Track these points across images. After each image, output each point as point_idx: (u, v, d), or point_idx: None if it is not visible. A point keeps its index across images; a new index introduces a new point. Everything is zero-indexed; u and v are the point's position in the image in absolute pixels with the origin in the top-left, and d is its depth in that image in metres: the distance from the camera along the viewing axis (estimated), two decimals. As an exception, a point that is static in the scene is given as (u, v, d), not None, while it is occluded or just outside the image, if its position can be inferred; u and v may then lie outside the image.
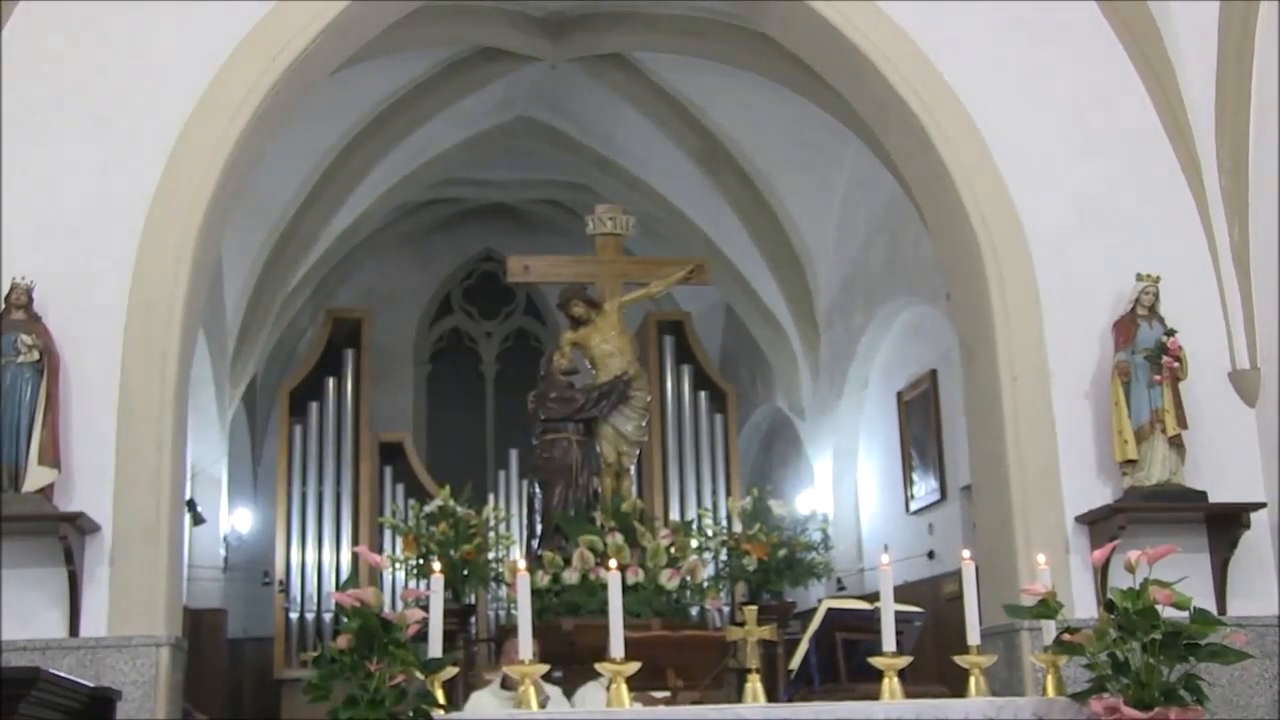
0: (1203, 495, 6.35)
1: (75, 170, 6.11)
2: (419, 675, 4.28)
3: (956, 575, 5.91)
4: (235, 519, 12.19)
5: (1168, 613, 4.48)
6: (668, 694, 5.76)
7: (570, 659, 6.12)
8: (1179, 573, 4.62)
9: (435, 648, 4.46)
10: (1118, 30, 6.84)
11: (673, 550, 7.48)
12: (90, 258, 6.03)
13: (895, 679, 4.69)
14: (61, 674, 4.58)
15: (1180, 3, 6.63)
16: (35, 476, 5.61)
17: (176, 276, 6.08)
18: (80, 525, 5.68)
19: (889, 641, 4.74)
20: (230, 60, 6.29)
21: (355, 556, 10.80)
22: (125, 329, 5.98)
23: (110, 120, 6.18)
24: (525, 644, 4.54)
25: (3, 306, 5.77)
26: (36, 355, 5.69)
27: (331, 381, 12.01)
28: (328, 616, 11.24)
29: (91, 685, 4.81)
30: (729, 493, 11.41)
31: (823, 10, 6.71)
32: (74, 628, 5.69)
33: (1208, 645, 4.46)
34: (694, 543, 7.82)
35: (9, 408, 5.62)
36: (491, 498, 11.51)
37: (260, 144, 6.66)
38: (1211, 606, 5.93)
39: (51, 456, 5.65)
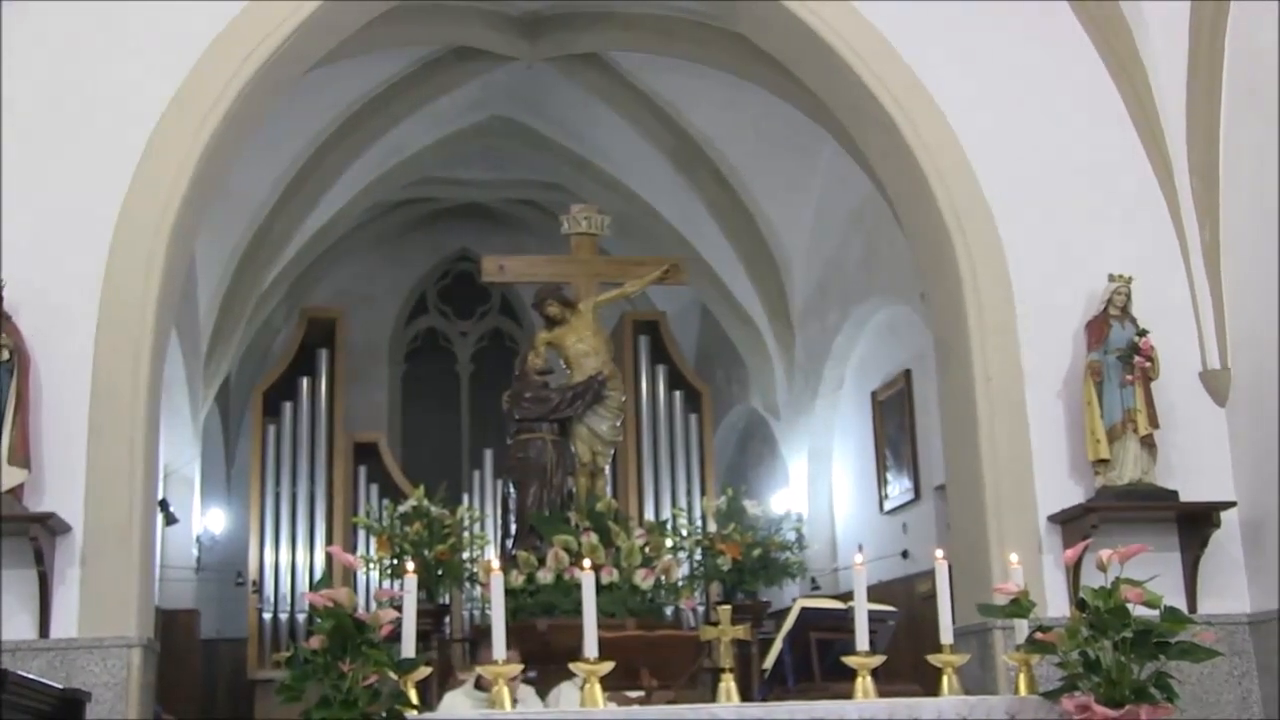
0: (1174, 494, 6.40)
1: (47, 169, 6.06)
2: (392, 675, 4.27)
3: (930, 574, 5.94)
4: (208, 519, 12.11)
5: (1139, 611, 4.53)
6: (642, 694, 5.76)
7: (545, 659, 6.11)
8: (1150, 571, 4.66)
9: (409, 648, 4.45)
10: (1091, 33, 6.90)
11: (647, 550, 7.48)
12: (62, 257, 5.98)
13: (869, 678, 4.71)
14: (30, 675, 4.54)
15: (1152, 4, 6.68)
16: (5, 477, 5.56)
17: (149, 276, 6.04)
18: (51, 526, 5.63)
19: (862, 641, 4.76)
20: (203, 59, 6.26)
21: (329, 557, 10.76)
22: (97, 328, 5.94)
23: (82, 119, 6.13)
24: (499, 644, 4.53)
25: (-28, 306, 5.72)
26: (6, 354, 5.65)
27: (306, 381, 11.93)
28: (301, 617, 11.16)
29: (60, 687, 4.77)
30: (704, 493, 11.41)
31: (797, 10, 6.74)
32: (44, 629, 5.65)
33: (1178, 643, 4.51)
34: (669, 542, 7.83)
35: (-22, 407, 5.57)
36: (466, 498, 11.52)
37: (234, 143, 6.62)
38: (1182, 605, 5.99)
39: (21, 456, 5.60)
